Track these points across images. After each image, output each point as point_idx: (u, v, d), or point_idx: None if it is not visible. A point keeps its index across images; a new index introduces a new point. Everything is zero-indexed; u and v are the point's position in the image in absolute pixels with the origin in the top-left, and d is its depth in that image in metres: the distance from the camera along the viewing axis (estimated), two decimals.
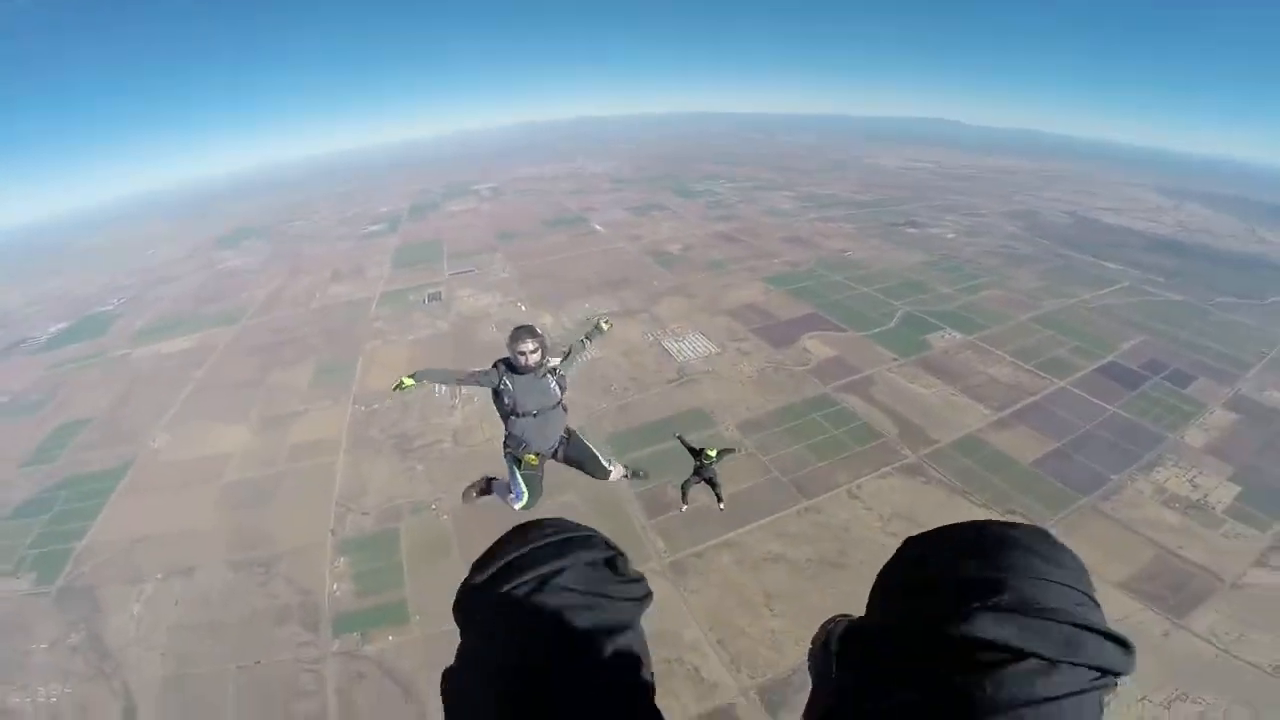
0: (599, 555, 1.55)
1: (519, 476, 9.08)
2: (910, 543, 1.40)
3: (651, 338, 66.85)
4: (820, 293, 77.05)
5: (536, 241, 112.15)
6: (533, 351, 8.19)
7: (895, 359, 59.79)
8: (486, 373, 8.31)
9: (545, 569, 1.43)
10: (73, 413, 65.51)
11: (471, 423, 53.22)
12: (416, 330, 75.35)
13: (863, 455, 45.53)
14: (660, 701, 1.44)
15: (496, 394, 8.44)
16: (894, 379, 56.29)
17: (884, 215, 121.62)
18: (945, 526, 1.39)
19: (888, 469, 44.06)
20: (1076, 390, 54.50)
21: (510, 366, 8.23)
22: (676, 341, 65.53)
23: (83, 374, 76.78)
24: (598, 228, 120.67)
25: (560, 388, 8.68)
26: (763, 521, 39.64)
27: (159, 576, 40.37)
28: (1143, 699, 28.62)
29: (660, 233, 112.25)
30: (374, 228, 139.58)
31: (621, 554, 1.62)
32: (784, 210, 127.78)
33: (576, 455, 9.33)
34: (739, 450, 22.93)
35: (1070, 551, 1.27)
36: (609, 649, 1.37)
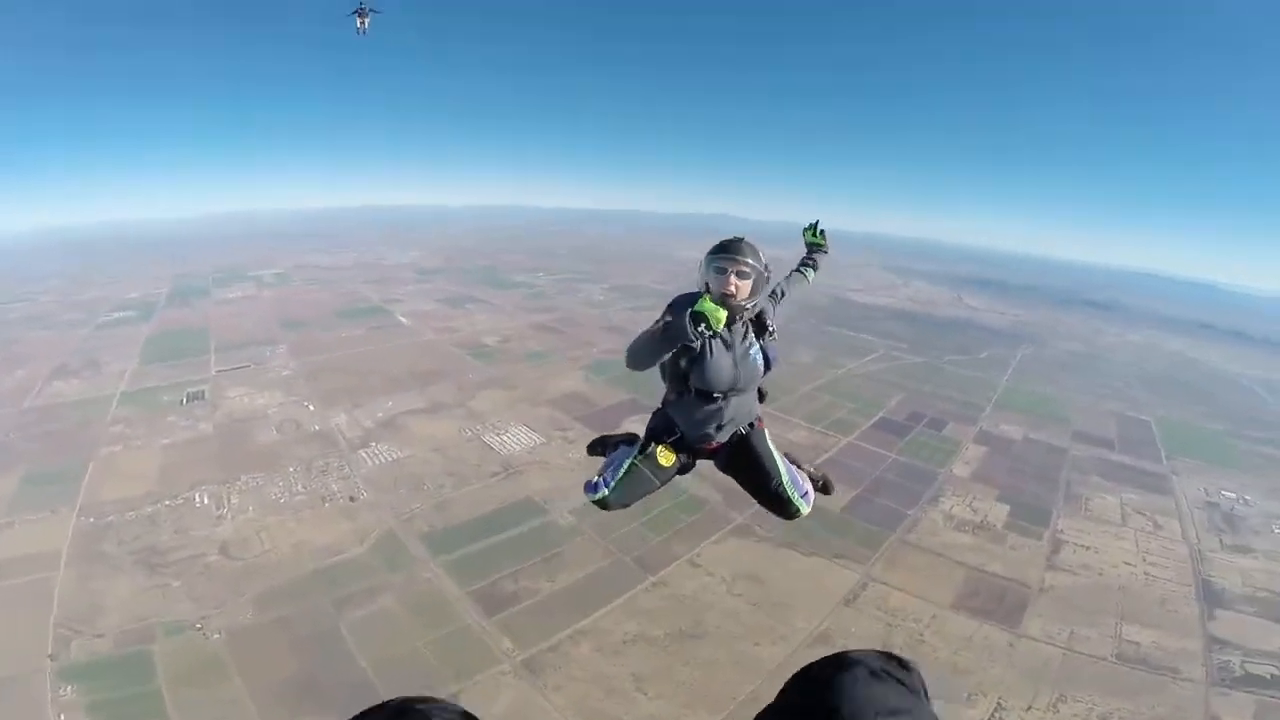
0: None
1: (628, 464, 5.72)
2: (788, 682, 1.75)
3: (470, 433, 63.85)
4: (635, 379, 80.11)
5: (328, 333, 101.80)
6: (744, 277, 5.21)
7: None
8: (670, 324, 4.80)
9: None
10: None
11: (246, 533, 45.71)
12: (172, 433, 62.87)
13: (695, 525, 47.13)
14: None
15: (676, 353, 5.30)
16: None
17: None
18: (808, 665, 1.73)
19: (720, 533, 46.05)
20: (861, 444, 63.52)
21: (693, 315, 4.71)
22: (498, 435, 63.20)
23: None
24: (402, 319, 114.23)
25: (767, 360, 5.67)
26: (616, 603, 38.70)
27: None
28: (1029, 708, 32.21)
29: (476, 325, 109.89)
30: (119, 314, 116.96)
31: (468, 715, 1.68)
32: (599, 301, 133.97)
33: (749, 466, 5.84)
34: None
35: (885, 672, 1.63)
36: None
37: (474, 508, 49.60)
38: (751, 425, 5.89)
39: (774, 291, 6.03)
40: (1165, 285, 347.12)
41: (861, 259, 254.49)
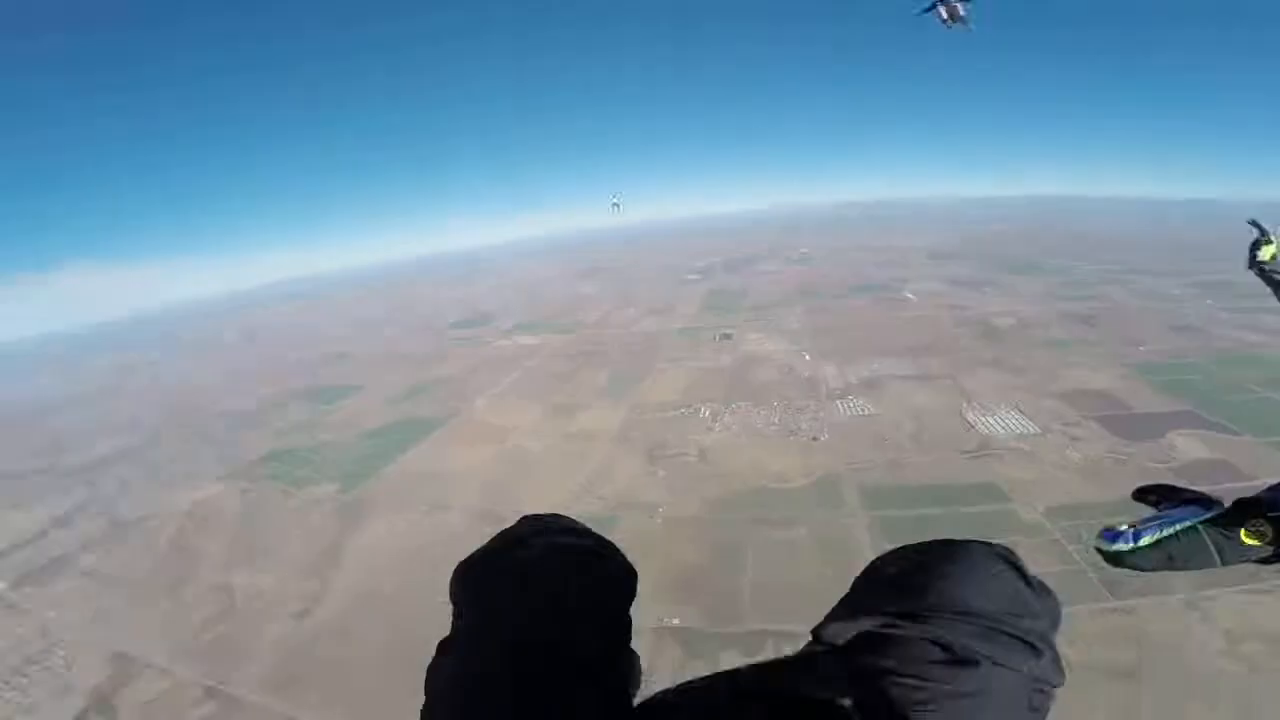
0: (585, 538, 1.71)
1: (1183, 526, 2.75)
2: (878, 559, 1.61)
3: (951, 405, 59.73)
4: (1204, 390, 58.59)
5: (837, 301, 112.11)
6: None
7: None
8: None
9: (552, 536, 1.60)
10: (441, 374, 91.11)
11: (723, 445, 55.48)
12: (703, 360, 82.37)
13: (1221, 571, 32.31)
14: None
15: None
16: None
17: None
18: (908, 545, 1.57)
19: (1259, 585, 30.73)
20: None
21: None
22: (984, 414, 56.92)
23: (458, 349, 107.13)
24: (909, 295, 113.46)
25: None
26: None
27: (422, 509, 50.89)
28: None
29: (988, 306, 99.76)
30: (691, 277, 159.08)
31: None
32: (1171, 294, 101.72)
33: None
34: None
35: (1010, 566, 1.35)
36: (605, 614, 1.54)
37: (927, 475, 46.96)
38: None
39: None
40: None
41: None
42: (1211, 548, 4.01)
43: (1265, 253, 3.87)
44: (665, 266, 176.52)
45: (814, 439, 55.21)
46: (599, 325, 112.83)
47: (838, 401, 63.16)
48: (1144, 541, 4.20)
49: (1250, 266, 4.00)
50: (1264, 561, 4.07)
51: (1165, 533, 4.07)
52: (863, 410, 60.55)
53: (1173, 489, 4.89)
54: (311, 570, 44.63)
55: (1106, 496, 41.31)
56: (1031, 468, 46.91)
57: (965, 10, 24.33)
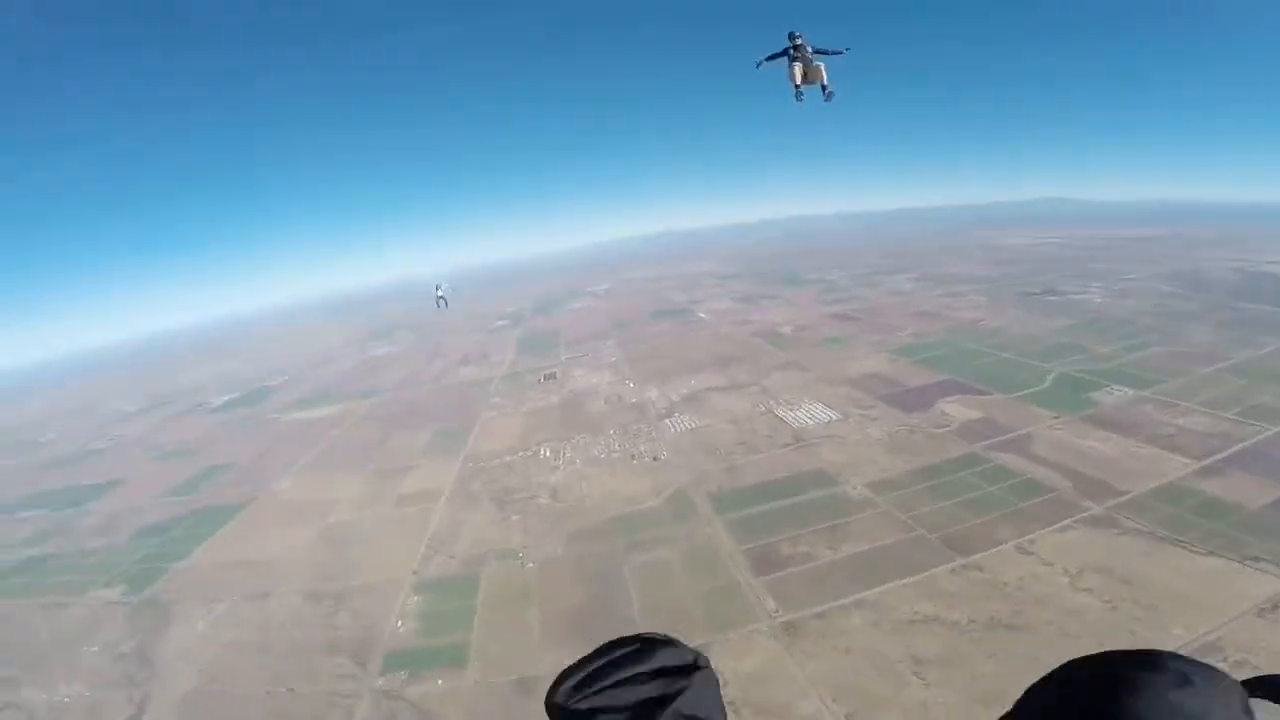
0: (680, 659, 1.70)
1: None
2: (1067, 666, 1.37)
3: (763, 407, 64.51)
4: (955, 360, 71.05)
5: (646, 329, 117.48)
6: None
7: (1055, 416, 52.48)
8: None
9: (625, 674, 1.61)
10: (222, 459, 76.91)
11: (571, 480, 53.79)
12: (531, 403, 79.20)
13: (1031, 510, 38.71)
14: None
15: None
16: (1058, 435, 49.07)
17: (1017, 286, 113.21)
18: (1098, 655, 1.36)
19: (1067, 522, 36.89)
20: None
21: None
22: (791, 410, 62.36)
23: (240, 430, 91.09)
24: (703, 315, 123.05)
25: None
26: (908, 580, 33.91)
27: (236, 598, 43.09)
28: None
29: (771, 317, 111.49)
30: (501, 323, 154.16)
31: (703, 657, 1.76)
32: (905, 290, 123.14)
33: None
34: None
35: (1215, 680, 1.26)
36: None
37: (762, 474, 49.68)
38: None
39: None
40: None
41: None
42: None
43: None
44: (471, 315, 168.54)
45: (655, 459, 55.78)
46: (405, 385, 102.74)
47: (666, 420, 64.92)
48: None
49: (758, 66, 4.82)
50: None
51: None
52: (691, 425, 62.81)
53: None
54: (125, 680, 35.94)
55: (912, 465, 47.14)
56: (844, 450, 51.70)
57: (826, 73, 15.68)
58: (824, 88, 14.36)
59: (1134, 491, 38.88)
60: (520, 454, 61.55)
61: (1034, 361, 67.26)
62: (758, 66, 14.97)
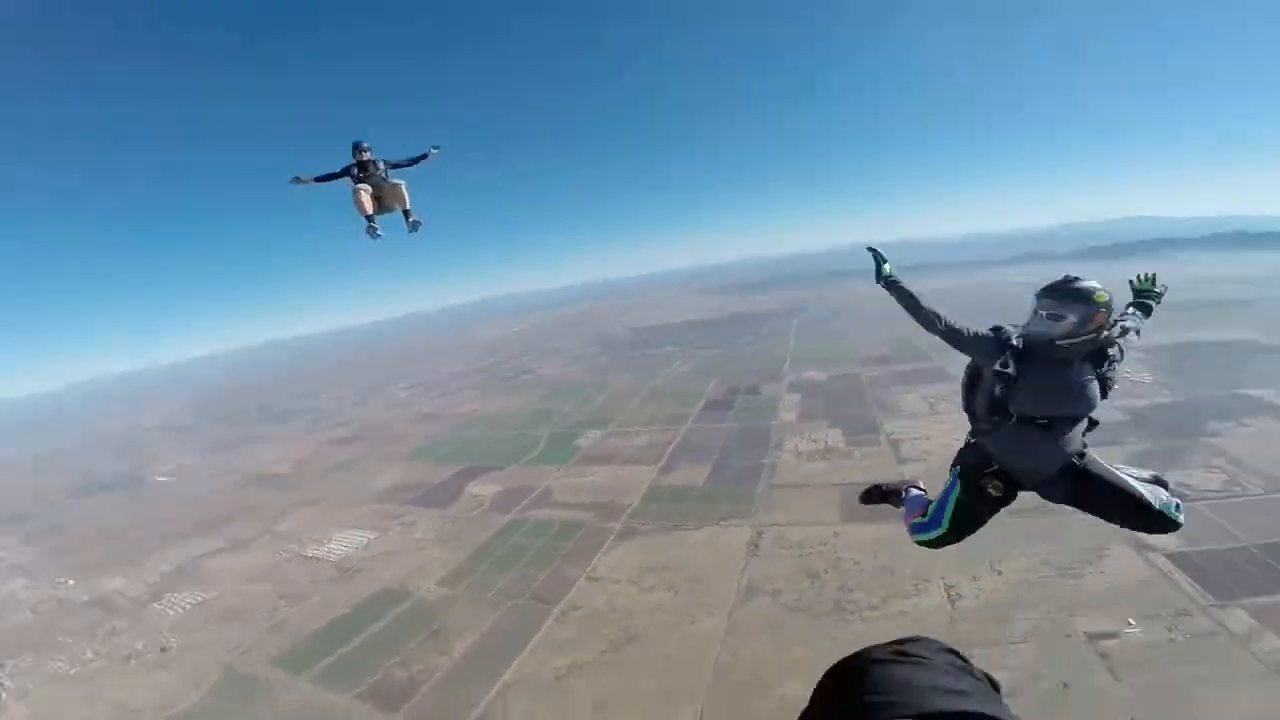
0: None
1: (951, 501, 5.23)
2: (825, 675, 1.50)
3: (286, 554, 54.63)
4: (466, 450, 75.60)
5: (73, 511, 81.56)
6: (1081, 320, 4.59)
7: (557, 468, 61.92)
8: (982, 338, 4.87)
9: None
10: None
11: (43, 711, 38.22)
12: None
13: (577, 547, 44.59)
14: None
15: (982, 377, 5.14)
16: (566, 481, 58.12)
17: (499, 374, 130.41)
18: (841, 661, 1.50)
19: (606, 544, 43.97)
20: (698, 426, 66.71)
21: (1019, 345, 4.73)
22: (322, 546, 54.46)
23: None
24: (160, 479, 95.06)
25: (1105, 386, 4.88)
26: (531, 645, 34.60)
27: None
28: (975, 579, 32.75)
29: (259, 460, 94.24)
30: None
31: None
32: (402, 399, 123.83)
33: (1105, 494, 5.00)
34: None
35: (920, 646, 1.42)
36: None
37: (325, 615, 42.82)
38: (1082, 454, 5.07)
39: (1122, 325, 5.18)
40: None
41: (663, 291, 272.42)
42: (977, 508, 5.24)
43: (886, 268, 4.91)
44: None
45: (164, 650, 42.55)
46: None
47: (155, 605, 50.16)
48: (945, 523, 5.26)
49: (878, 281, 4.95)
50: (999, 505, 5.23)
51: (949, 510, 5.27)
52: (196, 599, 49.42)
53: (881, 486, 6.35)
54: None
55: (469, 549, 47.65)
56: (399, 562, 48.64)
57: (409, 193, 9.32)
58: (407, 214, 8.80)
59: (633, 503, 49.45)
60: None
61: (527, 431, 78.08)
62: (292, 183, 8.40)
